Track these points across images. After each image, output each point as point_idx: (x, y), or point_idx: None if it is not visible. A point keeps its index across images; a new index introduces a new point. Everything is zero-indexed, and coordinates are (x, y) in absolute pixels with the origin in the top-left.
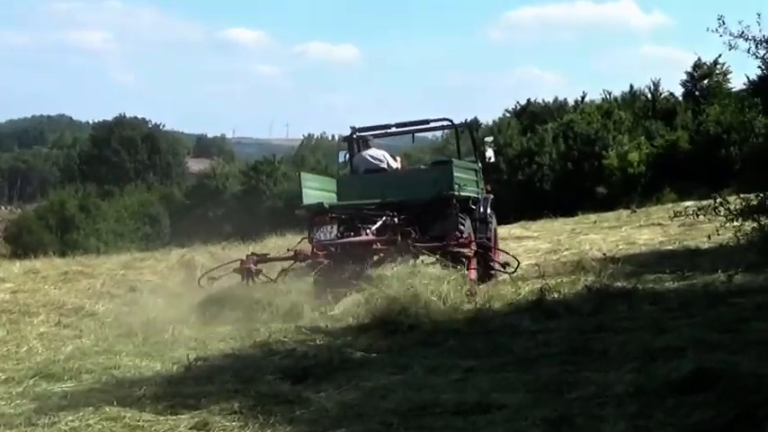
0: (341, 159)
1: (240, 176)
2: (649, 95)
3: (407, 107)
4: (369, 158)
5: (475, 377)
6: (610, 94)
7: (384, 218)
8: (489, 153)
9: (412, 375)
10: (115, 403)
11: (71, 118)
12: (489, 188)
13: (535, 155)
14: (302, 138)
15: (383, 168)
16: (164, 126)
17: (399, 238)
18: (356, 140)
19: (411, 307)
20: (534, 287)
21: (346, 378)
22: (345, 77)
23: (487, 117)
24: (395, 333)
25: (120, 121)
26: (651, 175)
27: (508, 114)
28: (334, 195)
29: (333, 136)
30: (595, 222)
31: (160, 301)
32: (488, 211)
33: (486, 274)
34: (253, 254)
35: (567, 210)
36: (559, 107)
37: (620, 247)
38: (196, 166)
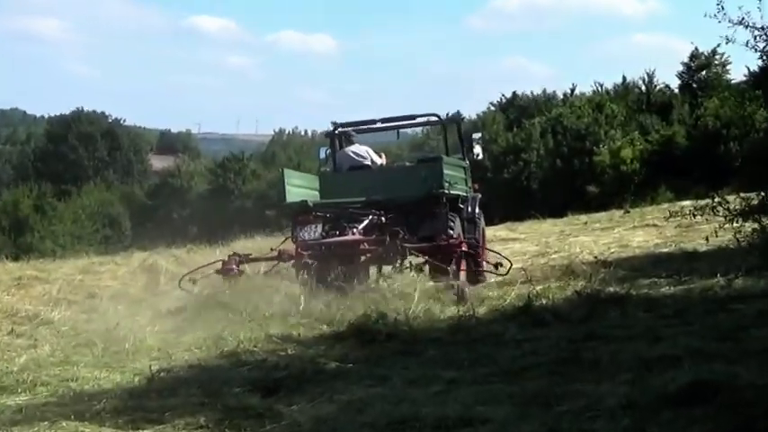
0: (322, 156)
1: (206, 174)
2: (643, 88)
3: (387, 100)
4: (352, 155)
5: (457, 389)
6: (601, 86)
7: (370, 217)
8: (477, 150)
9: (390, 387)
10: (73, 418)
11: (25, 112)
12: (477, 187)
13: (522, 151)
14: (273, 133)
15: (367, 165)
16: (124, 121)
17: (388, 238)
18: (338, 136)
19: (389, 314)
20: (521, 293)
21: (320, 390)
22: (320, 69)
23: (471, 110)
24: (372, 342)
25: (78, 116)
26: (645, 172)
27: (493, 108)
28: (317, 193)
29: (306, 131)
30: (586, 223)
31: (121, 307)
32: (477, 210)
33: (474, 276)
34: (235, 254)
35: (556, 210)
36: (548, 100)
37: (613, 249)
38: (159, 163)
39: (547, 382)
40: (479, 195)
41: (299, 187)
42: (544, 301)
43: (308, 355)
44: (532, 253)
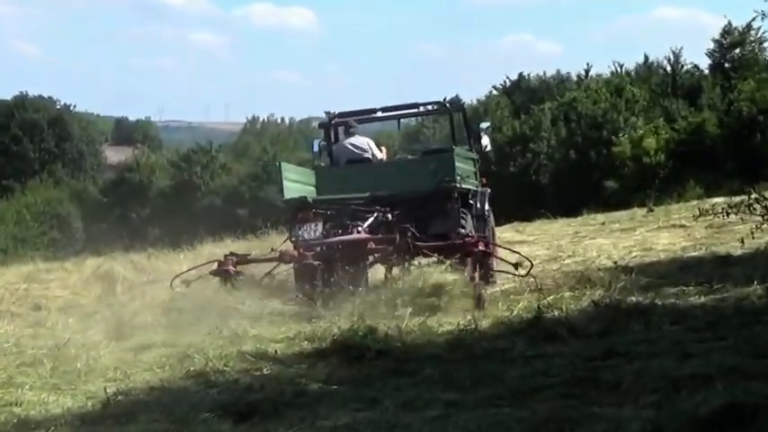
0: (315, 149)
1: (169, 169)
2: (668, 68)
3: (375, 84)
4: (351, 148)
5: (458, 414)
6: (621, 66)
7: (375, 214)
8: (485, 141)
9: (381, 412)
10: None
11: None
12: (485, 181)
13: (530, 141)
14: (245, 121)
15: (367, 158)
16: (75, 107)
17: (397, 237)
18: (334, 127)
19: (380, 327)
20: (530, 303)
21: (300, 415)
22: (298, 48)
23: (470, 96)
24: (360, 360)
25: (22, 101)
26: (671, 165)
27: (496, 92)
28: (314, 189)
29: (282, 119)
30: (604, 224)
31: (72, 321)
32: (486, 206)
33: (486, 278)
34: (232, 253)
35: (570, 208)
36: (559, 83)
37: (635, 253)
38: (115, 155)
39: (560, 406)
40: (488, 190)
41: (297, 182)
42: (556, 313)
43: (286, 374)
44: (543, 258)
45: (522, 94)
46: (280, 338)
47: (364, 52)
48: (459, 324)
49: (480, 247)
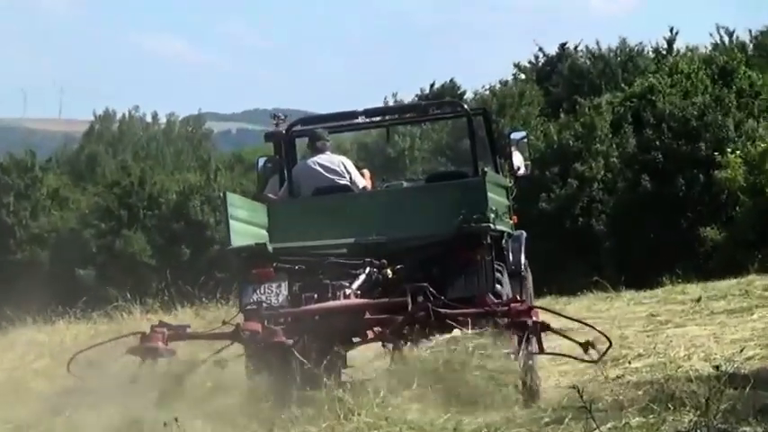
0: (260, 169)
1: None
2: None
3: (334, 62)
4: (320, 170)
5: None
6: (730, 34)
7: (366, 269)
8: (518, 160)
9: None
10: None
11: None
12: (515, 220)
13: (576, 159)
14: (92, 119)
15: (344, 186)
16: None
17: (410, 302)
18: (290, 139)
19: None
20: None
21: None
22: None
23: (475, 83)
24: None
25: None
26: None
27: (522, 75)
28: (265, 232)
29: (156, 115)
30: (699, 301)
31: None
32: (522, 258)
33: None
34: (161, 323)
35: (640, 274)
36: (626, 61)
37: (751, 352)
38: None
39: None
40: (524, 234)
41: (250, 223)
42: None
43: None
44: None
45: (563, 81)
46: None
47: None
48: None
49: (535, 318)
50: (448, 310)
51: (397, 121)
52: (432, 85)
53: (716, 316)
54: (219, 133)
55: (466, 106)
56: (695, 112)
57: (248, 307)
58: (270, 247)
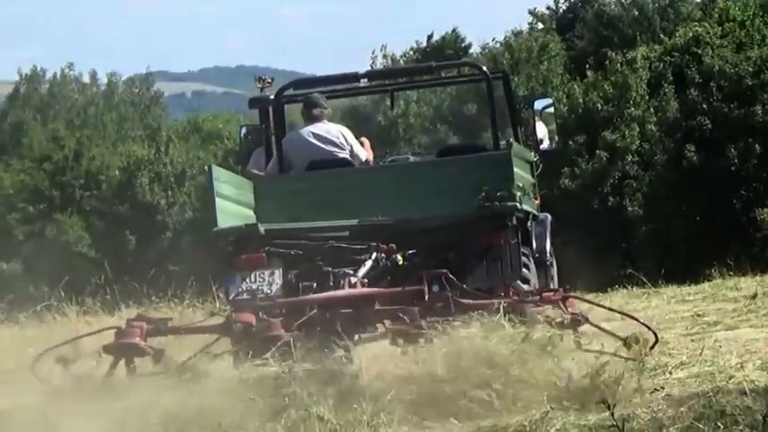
0: (242, 141)
1: None
2: None
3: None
4: (315, 142)
5: None
6: None
7: (373, 255)
8: (542, 131)
9: None
10: None
11: None
12: (539, 201)
13: (606, 127)
14: (16, 79)
15: (344, 160)
16: None
17: (426, 290)
18: (279, 106)
19: None
20: None
21: None
22: None
23: (482, 33)
24: None
25: None
26: None
27: (539, 24)
28: (252, 212)
29: (94, 73)
30: (755, 297)
31: None
32: (548, 244)
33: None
34: (140, 316)
35: (683, 266)
36: (664, 7)
37: None
38: None
39: None
40: (549, 217)
41: (237, 202)
42: None
43: None
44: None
45: (588, 31)
46: None
47: None
48: None
49: (571, 309)
50: (470, 300)
51: (405, 85)
52: (429, 37)
53: None
54: (171, 96)
55: (484, 70)
56: (750, 69)
57: (239, 297)
58: (262, 229)
